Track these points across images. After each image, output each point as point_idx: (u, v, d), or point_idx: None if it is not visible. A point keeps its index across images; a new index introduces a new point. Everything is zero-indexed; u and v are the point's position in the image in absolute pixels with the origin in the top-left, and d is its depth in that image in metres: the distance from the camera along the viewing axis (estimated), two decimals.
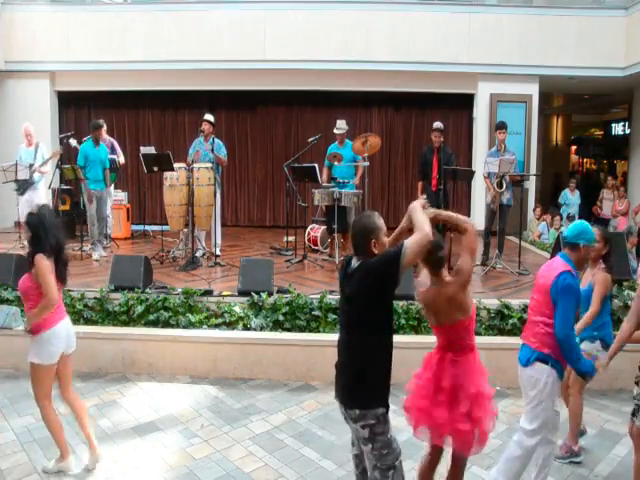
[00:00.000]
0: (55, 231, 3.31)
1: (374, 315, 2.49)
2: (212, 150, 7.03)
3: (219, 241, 7.40)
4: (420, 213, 2.51)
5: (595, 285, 3.63)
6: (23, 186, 7.66)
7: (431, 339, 4.55)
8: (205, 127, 7.20)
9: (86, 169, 7.43)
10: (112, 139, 8.84)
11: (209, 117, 7.32)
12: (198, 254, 7.19)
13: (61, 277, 3.37)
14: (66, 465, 3.47)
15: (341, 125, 7.59)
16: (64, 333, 3.40)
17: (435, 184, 7.16)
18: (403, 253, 2.36)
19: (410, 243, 2.39)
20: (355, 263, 2.53)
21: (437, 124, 7.34)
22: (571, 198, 11.06)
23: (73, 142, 8.26)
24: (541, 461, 3.13)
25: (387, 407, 2.55)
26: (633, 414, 3.05)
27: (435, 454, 2.96)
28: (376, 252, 2.46)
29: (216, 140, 7.22)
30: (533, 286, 3.22)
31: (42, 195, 8.14)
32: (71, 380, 3.59)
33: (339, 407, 2.62)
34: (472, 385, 2.75)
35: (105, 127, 8.48)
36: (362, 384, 2.50)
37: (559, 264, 3.01)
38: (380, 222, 2.51)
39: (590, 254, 3.16)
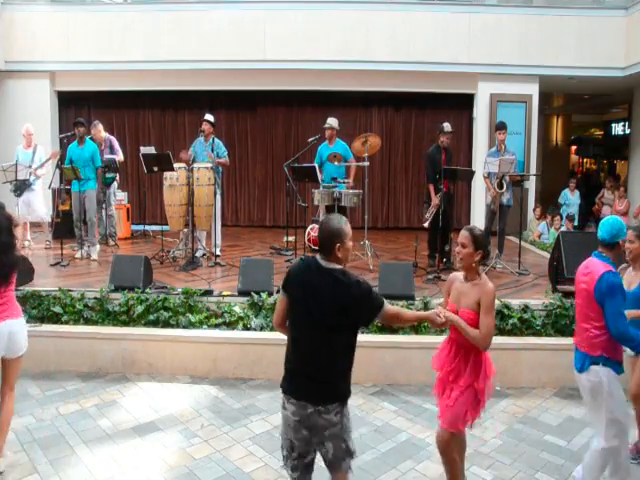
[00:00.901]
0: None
1: (348, 322, 2.56)
2: (212, 150, 7.04)
3: (219, 241, 7.40)
4: (414, 314, 3.02)
5: None
6: (20, 187, 7.65)
7: (431, 339, 4.57)
8: (205, 127, 7.21)
9: None
10: (111, 137, 8.78)
11: (209, 117, 7.31)
12: (198, 254, 7.19)
13: None
14: None
15: (331, 122, 7.56)
16: (4, 332, 3.27)
17: (446, 184, 6.93)
18: (382, 312, 2.59)
19: (389, 310, 2.63)
20: (325, 264, 2.58)
21: (448, 126, 7.10)
22: (571, 198, 11.07)
23: None
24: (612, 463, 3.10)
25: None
26: None
27: None
28: (339, 256, 2.56)
29: (216, 140, 7.23)
30: (576, 291, 3.18)
31: (40, 196, 8.12)
32: (13, 383, 3.47)
33: (299, 407, 2.57)
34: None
35: (99, 127, 8.46)
36: (342, 380, 2.61)
37: (598, 266, 2.99)
38: (347, 228, 2.59)
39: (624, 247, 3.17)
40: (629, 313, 3.27)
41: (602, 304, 2.92)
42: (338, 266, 2.58)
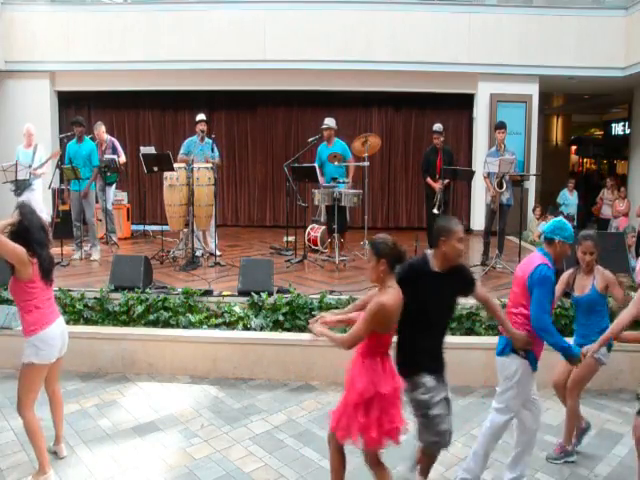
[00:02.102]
0: (37, 229, 3.27)
1: None
2: (212, 150, 7.07)
3: (211, 239, 7.38)
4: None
5: (613, 288, 3.59)
6: (20, 187, 7.65)
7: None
8: (205, 127, 7.24)
9: None
10: (113, 138, 8.80)
11: (203, 116, 7.37)
12: (198, 254, 7.19)
13: (45, 276, 3.29)
14: None
15: (328, 122, 7.57)
16: (59, 332, 3.38)
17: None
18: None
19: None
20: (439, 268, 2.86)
21: (436, 126, 7.41)
22: (570, 198, 11.07)
23: None
24: (520, 449, 3.27)
25: None
26: (639, 413, 3.01)
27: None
28: (444, 249, 2.80)
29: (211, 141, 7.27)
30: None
31: (39, 196, 8.09)
32: (58, 377, 3.62)
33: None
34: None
35: (102, 128, 8.47)
36: None
37: (536, 257, 3.13)
38: (456, 228, 2.81)
39: (567, 251, 3.20)
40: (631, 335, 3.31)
41: (531, 293, 3.03)
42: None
